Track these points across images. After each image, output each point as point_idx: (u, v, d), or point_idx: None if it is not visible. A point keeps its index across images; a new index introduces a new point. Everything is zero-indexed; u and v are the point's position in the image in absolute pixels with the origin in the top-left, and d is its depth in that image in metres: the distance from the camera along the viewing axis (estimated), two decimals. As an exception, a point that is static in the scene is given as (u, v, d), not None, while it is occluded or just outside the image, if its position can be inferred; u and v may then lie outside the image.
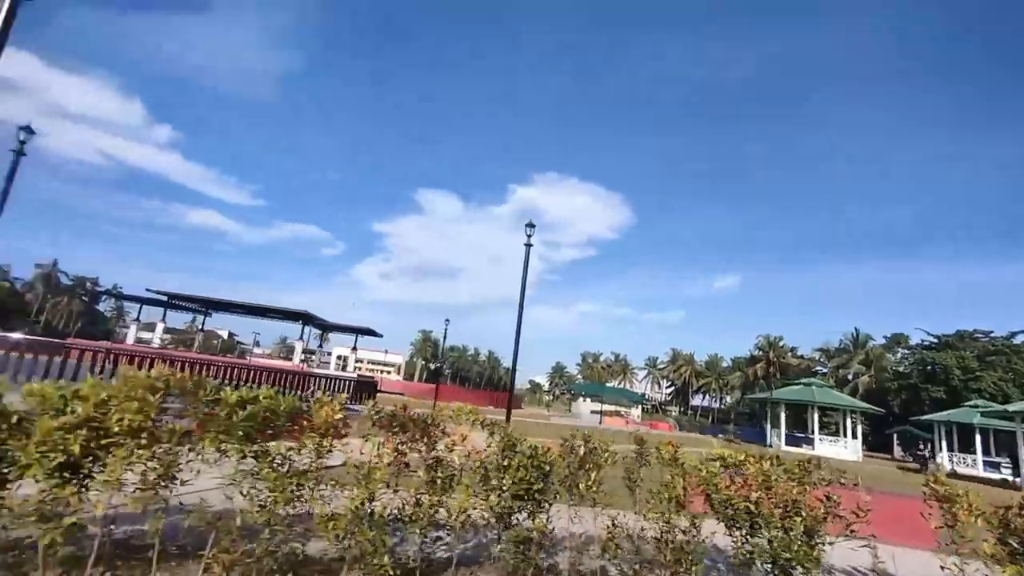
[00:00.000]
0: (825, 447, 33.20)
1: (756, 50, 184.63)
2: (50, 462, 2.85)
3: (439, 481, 3.51)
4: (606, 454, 3.74)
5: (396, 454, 3.57)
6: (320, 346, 50.94)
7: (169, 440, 3.16)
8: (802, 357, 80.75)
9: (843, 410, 36.19)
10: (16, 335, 19.01)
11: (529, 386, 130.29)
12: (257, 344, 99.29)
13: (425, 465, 3.60)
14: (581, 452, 3.74)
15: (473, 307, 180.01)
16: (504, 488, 3.50)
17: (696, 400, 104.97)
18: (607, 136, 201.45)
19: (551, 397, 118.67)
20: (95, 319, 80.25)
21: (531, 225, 14.36)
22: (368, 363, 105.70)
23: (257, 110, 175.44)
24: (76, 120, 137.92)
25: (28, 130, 13.45)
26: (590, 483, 3.65)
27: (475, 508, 3.61)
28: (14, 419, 2.93)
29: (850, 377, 66.15)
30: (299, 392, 19.87)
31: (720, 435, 44.99)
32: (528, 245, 14.32)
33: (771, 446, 33.71)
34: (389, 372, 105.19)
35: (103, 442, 2.98)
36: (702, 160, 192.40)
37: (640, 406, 72.75)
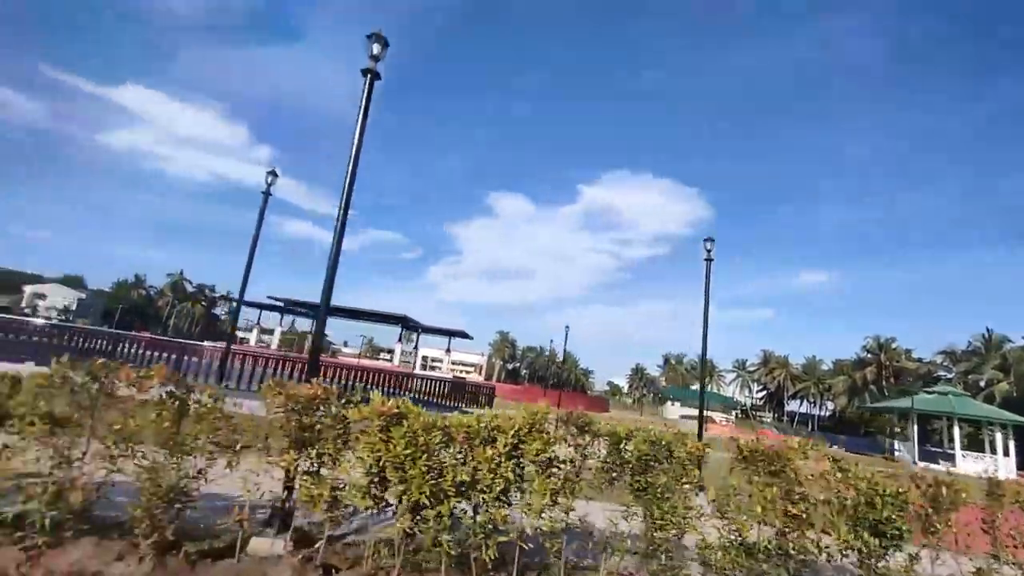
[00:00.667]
0: (969, 464, 29.44)
1: (857, 40, 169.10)
2: (493, 488, 3.32)
3: (803, 514, 3.27)
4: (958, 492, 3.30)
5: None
6: (416, 348, 52.74)
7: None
8: (919, 361, 72.71)
9: (988, 423, 31.96)
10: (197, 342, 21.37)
11: (608, 388, 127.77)
12: (345, 344, 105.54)
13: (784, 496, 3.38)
14: (935, 489, 3.33)
15: (545, 307, 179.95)
16: (866, 525, 3.18)
17: (792, 406, 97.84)
18: (683, 131, 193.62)
19: (632, 400, 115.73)
20: (213, 322, 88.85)
21: (710, 240, 13.50)
22: (450, 363, 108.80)
23: (342, 126, 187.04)
24: (192, 145, 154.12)
25: (273, 173, 14.83)
26: (949, 523, 3.24)
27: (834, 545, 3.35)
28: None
29: (982, 384, 58.57)
30: (403, 392, 20.61)
31: (833, 445, 41.44)
32: (708, 260, 13.39)
33: (895, 460, 30.46)
34: (469, 372, 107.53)
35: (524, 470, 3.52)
36: (791, 152, 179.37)
37: (733, 411, 69.03)
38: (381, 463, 3.32)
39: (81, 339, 19.32)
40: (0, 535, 3.14)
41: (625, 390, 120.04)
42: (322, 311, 7.06)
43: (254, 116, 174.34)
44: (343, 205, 6.50)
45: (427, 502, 3.21)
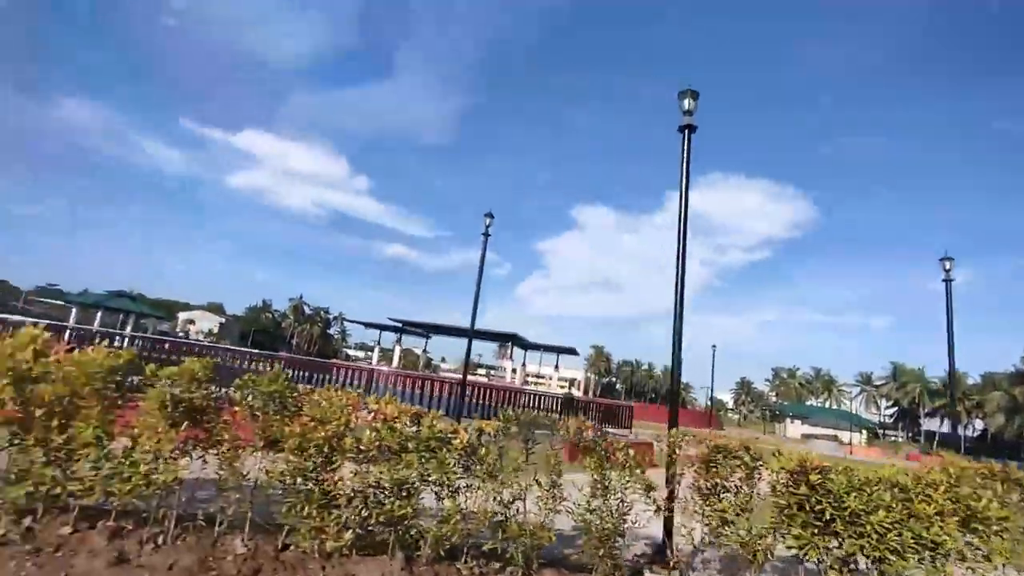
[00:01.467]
0: None
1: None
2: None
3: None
4: None
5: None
6: (523, 364, 53.84)
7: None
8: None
9: None
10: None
11: (711, 403, 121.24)
12: (443, 360, 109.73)
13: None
14: None
15: (638, 319, 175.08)
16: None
17: (930, 424, 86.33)
18: (779, 127, 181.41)
19: (739, 416, 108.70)
20: (328, 341, 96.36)
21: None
22: (558, 380, 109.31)
23: (432, 152, 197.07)
24: (301, 179, 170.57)
25: (490, 215, 15.41)
26: None
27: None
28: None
29: None
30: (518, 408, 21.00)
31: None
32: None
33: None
34: (564, 386, 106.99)
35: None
36: (911, 139, 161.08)
37: (864, 430, 62.47)
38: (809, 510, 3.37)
39: (236, 359, 22.22)
40: (485, 566, 3.88)
41: (730, 405, 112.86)
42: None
43: (353, 149, 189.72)
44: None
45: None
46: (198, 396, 3.56)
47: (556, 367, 34.96)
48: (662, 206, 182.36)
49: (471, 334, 39.58)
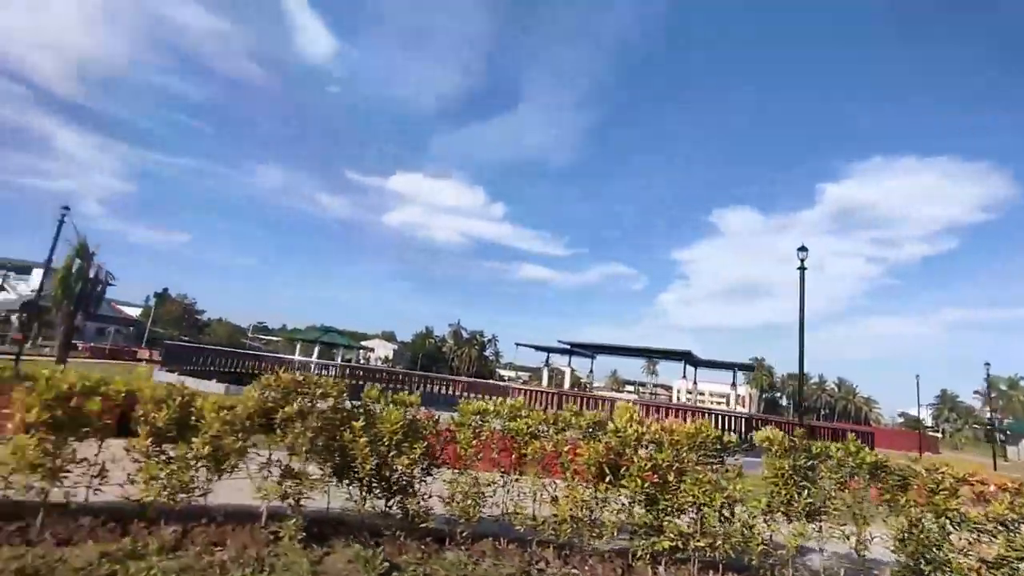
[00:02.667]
0: None
1: None
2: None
3: None
4: None
5: None
6: (695, 383, 52.98)
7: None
8: None
9: None
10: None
11: (902, 420, 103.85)
12: (591, 375, 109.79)
13: None
14: None
15: (792, 326, 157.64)
16: None
17: None
18: (955, 97, 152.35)
19: (942, 435, 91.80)
20: (485, 363, 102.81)
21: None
22: (709, 394, 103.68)
23: (562, 172, 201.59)
24: (445, 212, 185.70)
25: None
26: None
27: None
28: None
29: None
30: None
31: None
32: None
33: None
34: (720, 402, 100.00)
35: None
36: None
37: None
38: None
39: (422, 382, 25.53)
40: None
41: (928, 423, 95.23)
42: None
43: (488, 178, 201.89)
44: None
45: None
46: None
47: (733, 384, 33.81)
48: (812, 201, 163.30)
49: (643, 353, 39.85)
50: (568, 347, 40.60)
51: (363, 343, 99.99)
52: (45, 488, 3.73)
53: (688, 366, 34.18)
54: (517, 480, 4.71)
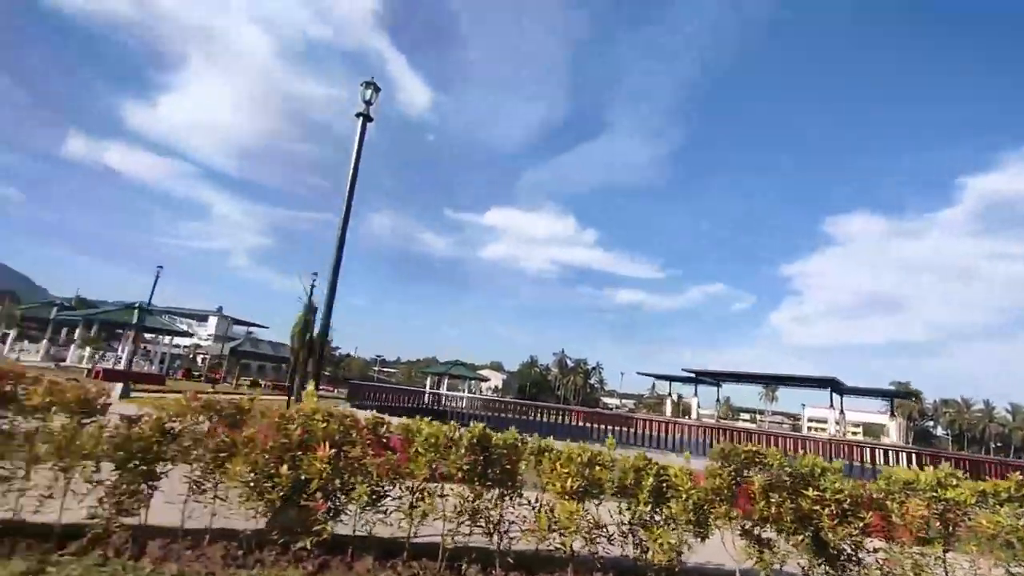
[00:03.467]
0: None
1: None
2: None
3: None
4: None
5: None
6: (842, 412, 48.80)
7: None
8: None
9: None
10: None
11: None
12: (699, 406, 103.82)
13: None
14: None
15: (934, 343, 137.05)
16: None
17: None
18: None
19: None
20: (591, 391, 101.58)
21: None
22: (851, 425, 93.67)
23: (649, 195, 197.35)
24: (539, 242, 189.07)
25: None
26: None
27: None
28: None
29: None
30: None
31: None
32: None
33: None
34: (856, 433, 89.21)
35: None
36: None
37: None
38: None
39: (543, 412, 25.55)
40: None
41: None
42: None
43: (578, 206, 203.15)
44: None
45: None
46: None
47: (892, 413, 30.45)
48: (950, 200, 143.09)
49: (781, 380, 37.36)
50: (693, 375, 39.38)
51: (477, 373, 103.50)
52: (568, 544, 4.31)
53: (834, 394, 31.47)
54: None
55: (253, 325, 64.48)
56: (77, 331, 32.64)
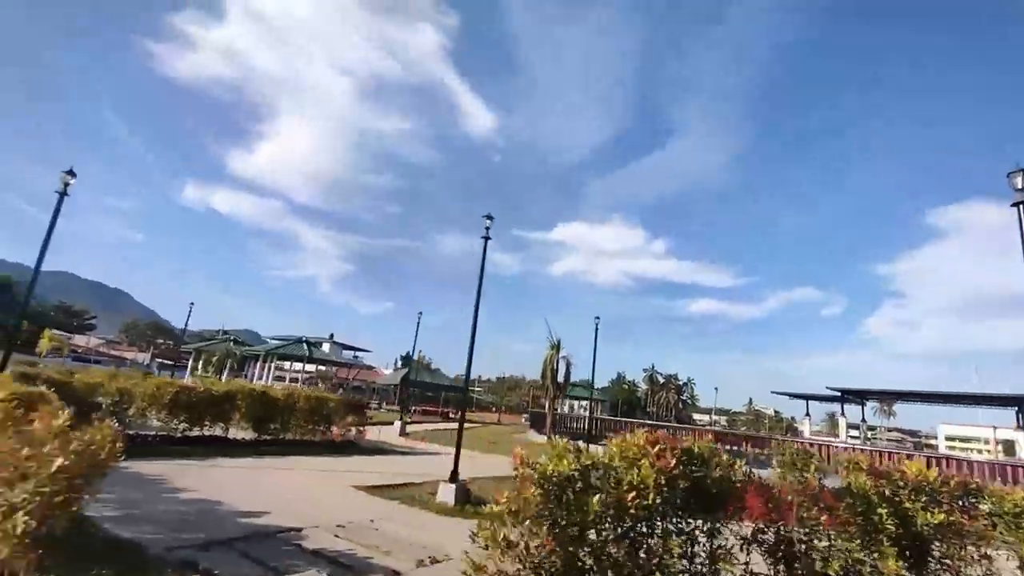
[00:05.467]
0: None
1: None
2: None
3: None
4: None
5: None
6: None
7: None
8: None
9: None
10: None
11: None
12: (794, 420, 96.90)
13: None
14: None
15: None
16: None
17: None
18: None
19: None
20: (684, 407, 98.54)
21: None
22: (959, 440, 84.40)
23: (722, 200, 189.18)
24: (607, 255, 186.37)
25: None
26: None
27: None
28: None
29: None
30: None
31: None
32: None
33: None
34: (981, 451, 79.09)
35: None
36: None
37: None
38: None
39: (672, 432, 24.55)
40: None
41: None
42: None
43: (647, 216, 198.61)
44: None
45: None
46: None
47: None
48: None
49: (956, 399, 34.36)
50: (839, 394, 37.18)
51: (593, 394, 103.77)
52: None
53: (1022, 414, 28.41)
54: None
55: (359, 350, 67.70)
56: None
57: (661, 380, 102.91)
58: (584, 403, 51.65)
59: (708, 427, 45.09)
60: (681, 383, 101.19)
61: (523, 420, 46.32)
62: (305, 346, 31.11)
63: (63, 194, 11.27)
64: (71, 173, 11.46)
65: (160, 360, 62.60)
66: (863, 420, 41.45)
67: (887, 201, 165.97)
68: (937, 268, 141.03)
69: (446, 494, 9.07)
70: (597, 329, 21.93)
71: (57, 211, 10.95)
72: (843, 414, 36.55)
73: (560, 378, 22.92)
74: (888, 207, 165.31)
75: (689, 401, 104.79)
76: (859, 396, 34.85)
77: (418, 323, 30.39)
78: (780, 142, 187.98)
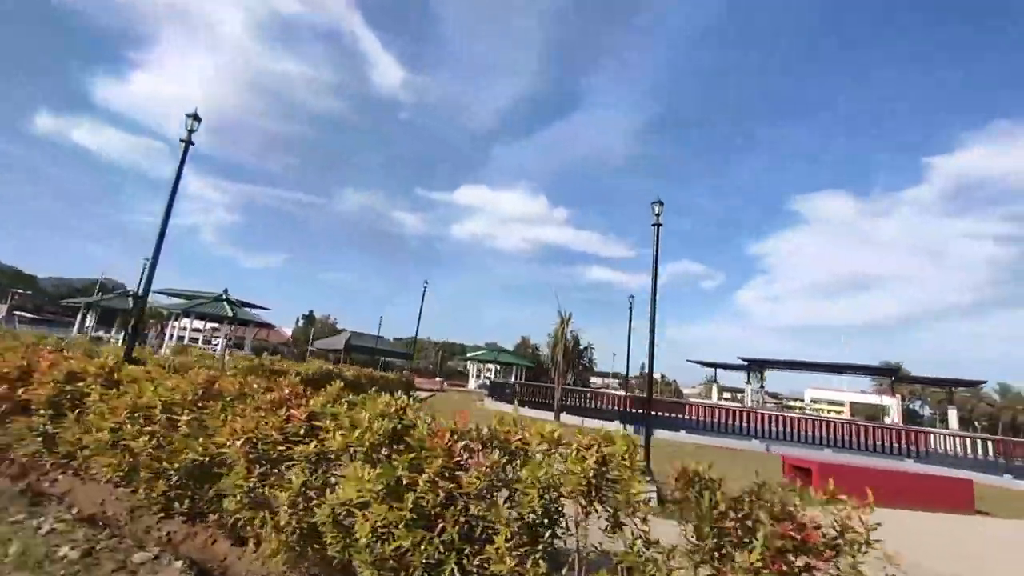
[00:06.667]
0: None
1: None
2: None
3: None
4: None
5: None
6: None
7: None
8: None
9: None
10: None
11: None
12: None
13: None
14: None
15: (906, 320, 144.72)
16: None
17: None
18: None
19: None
20: (582, 370, 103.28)
21: None
22: (828, 403, 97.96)
23: (620, 174, 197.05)
24: (511, 221, 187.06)
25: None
26: None
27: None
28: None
29: None
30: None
31: None
32: None
33: None
34: (840, 412, 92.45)
35: None
36: None
37: None
38: None
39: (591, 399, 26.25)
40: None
41: None
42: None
43: (549, 184, 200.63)
44: None
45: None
46: None
47: (892, 392, 32.60)
48: (919, 178, 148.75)
49: (841, 369, 38.93)
50: (746, 363, 40.89)
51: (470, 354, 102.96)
52: None
53: (896, 383, 33.31)
54: None
55: (256, 307, 62.62)
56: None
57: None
58: (489, 367, 51.08)
59: (602, 389, 47.67)
60: (583, 348, 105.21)
61: (476, 388, 45.89)
62: (227, 304, 27.64)
63: (188, 142, 10.34)
64: (196, 117, 10.34)
65: (19, 313, 52.58)
66: (761, 387, 46.37)
67: (759, 186, 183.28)
68: (797, 250, 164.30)
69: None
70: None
71: (183, 162, 10.30)
72: (748, 381, 40.44)
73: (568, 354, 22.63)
74: (759, 192, 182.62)
75: (589, 365, 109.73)
76: (762, 365, 38.66)
77: (423, 297, 31.38)
78: (675, 125, 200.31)
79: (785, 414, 24.88)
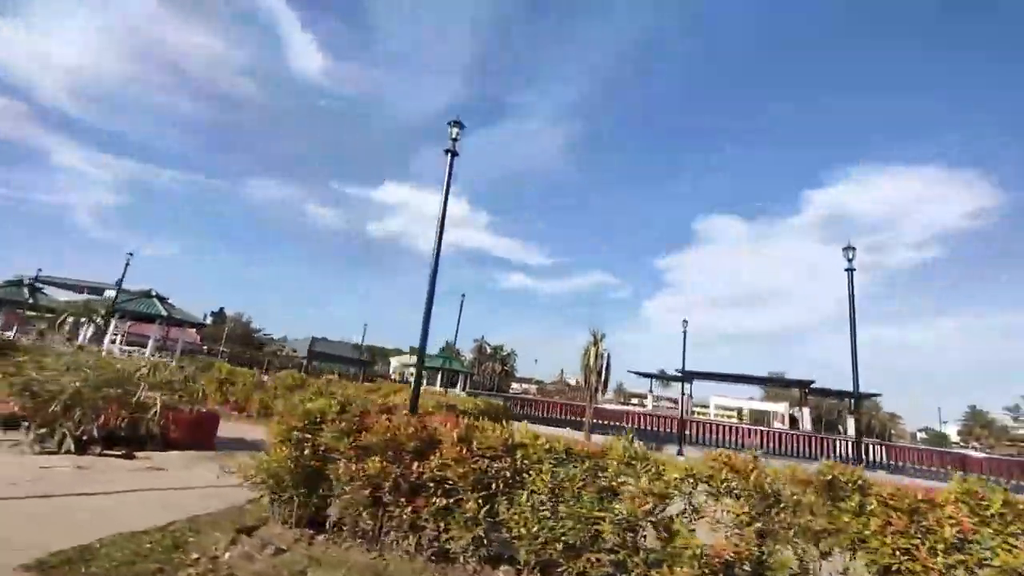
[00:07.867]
0: None
1: None
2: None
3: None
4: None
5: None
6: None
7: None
8: None
9: None
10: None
11: (925, 436, 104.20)
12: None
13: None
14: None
15: (786, 332, 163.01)
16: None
17: None
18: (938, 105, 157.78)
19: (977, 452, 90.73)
20: (506, 377, 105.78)
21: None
22: (726, 410, 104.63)
23: (545, 183, 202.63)
24: (432, 222, 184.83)
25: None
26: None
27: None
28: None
29: None
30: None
31: None
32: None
33: None
34: (731, 415, 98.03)
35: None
36: None
37: None
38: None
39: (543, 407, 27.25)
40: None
41: (955, 438, 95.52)
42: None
43: (471, 189, 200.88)
44: None
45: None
46: None
47: (803, 401, 36.85)
48: (798, 208, 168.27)
49: (761, 381, 41.98)
50: (680, 375, 43.40)
51: (394, 359, 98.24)
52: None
53: (808, 395, 37.03)
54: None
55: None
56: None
57: (488, 351, 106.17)
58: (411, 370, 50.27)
59: (519, 395, 48.97)
60: (506, 354, 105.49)
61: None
62: (158, 302, 24.35)
63: (453, 152, 9.80)
64: (457, 123, 9.81)
65: None
66: (687, 395, 49.32)
67: (668, 206, 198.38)
68: (698, 267, 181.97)
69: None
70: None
71: (451, 172, 9.68)
72: (690, 394, 42.75)
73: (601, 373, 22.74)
74: (666, 210, 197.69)
75: (511, 371, 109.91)
76: (693, 377, 41.09)
77: (461, 306, 29.86)
78: (597, 142, 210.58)
79: (727, 422, 27.24)
